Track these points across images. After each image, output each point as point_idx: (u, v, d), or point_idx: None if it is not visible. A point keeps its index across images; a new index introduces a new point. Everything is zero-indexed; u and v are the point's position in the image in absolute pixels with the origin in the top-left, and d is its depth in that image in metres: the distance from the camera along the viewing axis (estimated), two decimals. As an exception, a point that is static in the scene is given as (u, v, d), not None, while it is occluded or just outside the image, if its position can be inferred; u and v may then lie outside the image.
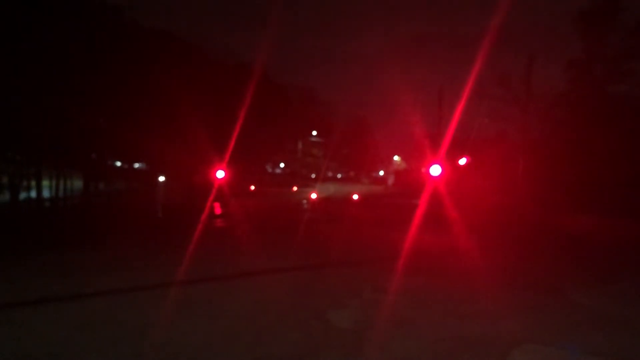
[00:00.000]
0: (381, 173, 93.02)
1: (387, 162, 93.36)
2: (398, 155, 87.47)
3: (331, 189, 64.70)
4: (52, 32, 28.78)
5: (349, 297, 10.22)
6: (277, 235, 20.74)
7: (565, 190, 28.35)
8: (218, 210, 31.76)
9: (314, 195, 38.45)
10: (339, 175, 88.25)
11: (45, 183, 37.94)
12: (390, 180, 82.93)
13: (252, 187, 53.24)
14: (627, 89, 33.07)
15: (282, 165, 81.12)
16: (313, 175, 74.67)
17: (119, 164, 47.60)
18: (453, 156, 29.80)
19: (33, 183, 36.36)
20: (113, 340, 7.58)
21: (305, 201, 35.84)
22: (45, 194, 38.27)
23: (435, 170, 23.73)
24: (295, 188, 58.01)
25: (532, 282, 11.95)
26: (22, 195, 35.29)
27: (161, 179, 38.86)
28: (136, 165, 49.84)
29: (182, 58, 36.40)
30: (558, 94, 33.60)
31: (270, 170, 77.73)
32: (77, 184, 40.17)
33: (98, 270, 12.92)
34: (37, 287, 10.88)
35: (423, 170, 34.31)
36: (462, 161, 32.11)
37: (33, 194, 36.54)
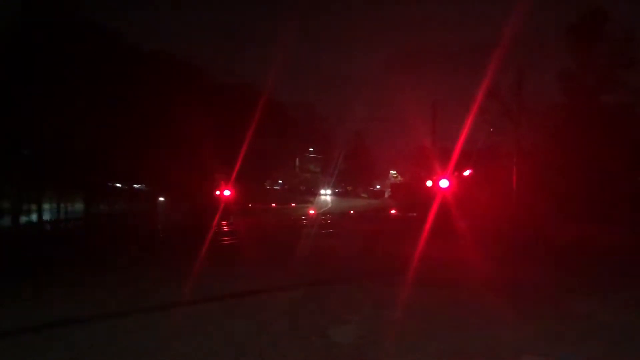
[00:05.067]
0: (378, 187, 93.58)
1: (383, 176, 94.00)
2: (395, 169, 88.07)
3: (329, 203, 65.22)
4: (51, 53, 29.30)
5: (350, 312, 10.23)
6: (279, 251, 20.93)
7: (560, 199, 28.80)
8: (226, 227, 32.06)
9: (312, 211, 38.97)
10: (337, 190, 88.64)
11: (46, 206, 38.18)
12: (387, 194, 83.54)
13: (273, 205, 53.91)
14: (618, 98, 33.54)
15: (280, 181, 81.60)
16: (315, 189, 75.25)
17: (119, 185, 47.86)
18: (456, 168, 30.28)
19: (34, 207, 36.58)
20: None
21: (304, 217, 36.22)
22: (46, 216, 38.50)
23: (444, 182, 24.32)
24: (293, 204, 58.37)
25: (531, 292, 12.16)
26: (23, 219, 35.48)
27: (161, 199, 39.19)
28: (136, 186, 50.02)
29: (184, 79, 36.83)
30: (551, 104, 34.18)
31: (269, 186, 78.12)
32: (79, 206, 40.34)
33: (92, 294, 12.79)
34: (32, 313, 10.92)
35: (420, 183, 34.76)
36: (466, 173, 32.75)
37: (35, 217, 36.78)
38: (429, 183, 30.54)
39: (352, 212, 39.40)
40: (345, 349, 8.09)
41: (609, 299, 11.46)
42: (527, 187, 28.03)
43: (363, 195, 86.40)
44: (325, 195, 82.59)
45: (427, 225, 22.93)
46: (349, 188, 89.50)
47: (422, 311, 10.38)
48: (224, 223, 33.99)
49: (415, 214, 32.35)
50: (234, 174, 33.24)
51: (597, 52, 33.57)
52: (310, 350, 8.05)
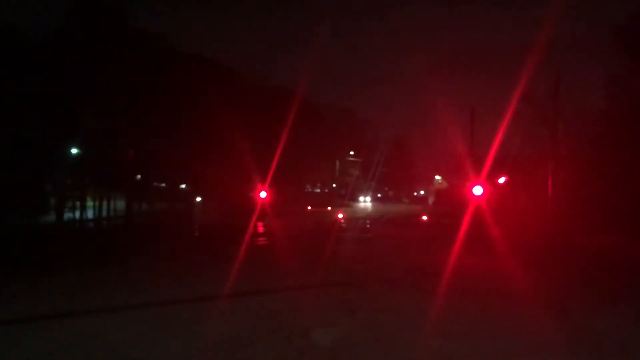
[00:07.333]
0: (422, 192, 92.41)
1: (427, 182, 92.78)
2: (439, 174, 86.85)
3: (369, 208, 64.86)
4: (98, 55, 30.30)
5: (343, 315, 10.22)
6: (305, 254, 20.83)
7: (599, 209, 27.77)
8: (260, 229, 32.30)
9: (340, 215, 38.86)
10: (379, 195, 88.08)
11: (89, 204, 39.46)
12: (431, 200, 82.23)
13: (309, 207, 54.21)
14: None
15: (319, 185, 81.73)
16: (356, 194, 75.07)
17: (163, 185, 49.11)
18: (491, 175, 29.72)
19: (77, 204, 37.88)
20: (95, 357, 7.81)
21: (335, 221, 36.09)
22: (89, 214, 39.77)
23: (478, 190, 23.87)
24: (329, 207, 58.12)
25: (545, 302, 11.64)
26: (67, 216, 36.80)
27: (198, 199, 39.85)
28: (182, 186, 51.11)
29: (224, 82, 37.48)
30: (591, 111, 33.12)
31: (309, 189, 78.27)
32: (120, 204, 41.51)
33: (108, 289, 13.13)
34: (51, 305, 11.34)
35: (461, 189, 34.06)
36: (501, 180, 32.07)
37: (78, 214, 38.08)
38: (466, 189, 30.05)
39: (383, 216, 38.77)
40: (319, 350, 8.08)
41: (619, 312, 10.92)
42: (564, 196, 27.20)
43: (405, 200, 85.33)
44: (365, 199, 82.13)
45: (459, 233, 22.37)
46: (390, 193, 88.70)
47: (417, 317, 10.05)
48: (259, 224, 34.25)
49: (448, 221, 31.78)
50: (270, 176, 33.53)
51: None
52: (287, 350, 8.04)
